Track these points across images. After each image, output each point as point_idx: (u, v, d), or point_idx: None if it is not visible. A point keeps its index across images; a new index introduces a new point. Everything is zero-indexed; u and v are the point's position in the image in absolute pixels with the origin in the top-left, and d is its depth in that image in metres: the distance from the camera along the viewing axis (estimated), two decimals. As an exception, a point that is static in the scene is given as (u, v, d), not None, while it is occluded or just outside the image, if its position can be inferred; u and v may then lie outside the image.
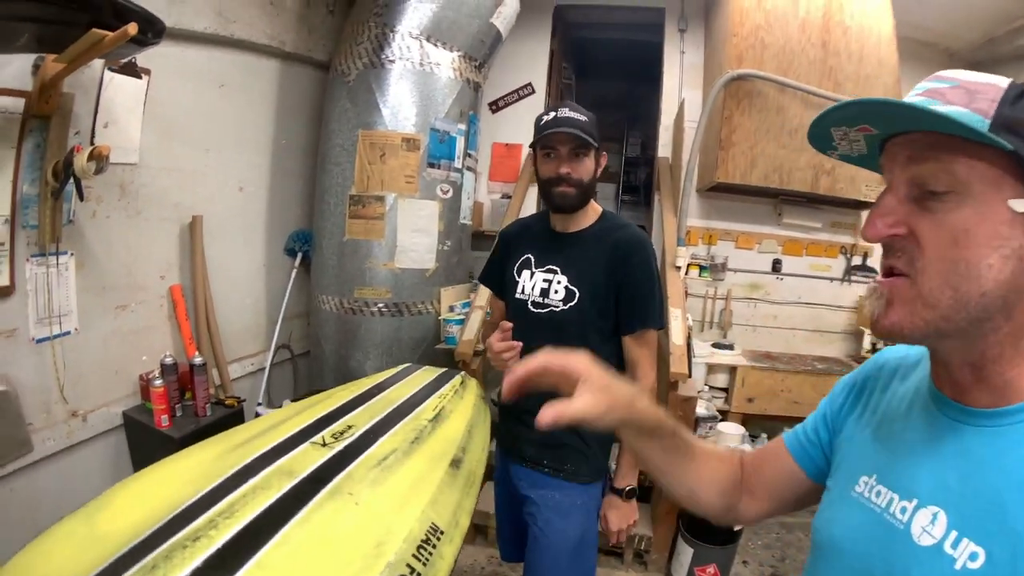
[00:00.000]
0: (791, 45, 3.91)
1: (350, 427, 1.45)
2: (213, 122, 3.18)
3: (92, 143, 2.45)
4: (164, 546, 0.96)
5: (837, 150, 0.81)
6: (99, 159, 2.26)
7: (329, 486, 1.16)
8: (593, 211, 1.98)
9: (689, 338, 3.53)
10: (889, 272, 0.73)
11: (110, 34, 1.93)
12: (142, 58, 2.61)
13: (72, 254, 2.49)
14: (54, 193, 2.32)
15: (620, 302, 1.89)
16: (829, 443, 0.99)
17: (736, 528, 3.09)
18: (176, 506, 1.07)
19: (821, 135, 0.79)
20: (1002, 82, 0.68)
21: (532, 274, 1.98)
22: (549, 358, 0.91)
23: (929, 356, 0.83)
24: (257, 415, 3.32)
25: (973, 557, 0.66)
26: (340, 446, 1.34)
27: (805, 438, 1.02)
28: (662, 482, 1.02)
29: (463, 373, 2.10)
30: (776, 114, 3.93)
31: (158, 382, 2.65)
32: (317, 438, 1.36)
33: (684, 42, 4.69)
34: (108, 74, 2.52)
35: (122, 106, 2.62)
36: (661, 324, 1.96)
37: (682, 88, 4.68)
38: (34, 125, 2.28)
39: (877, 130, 0.73)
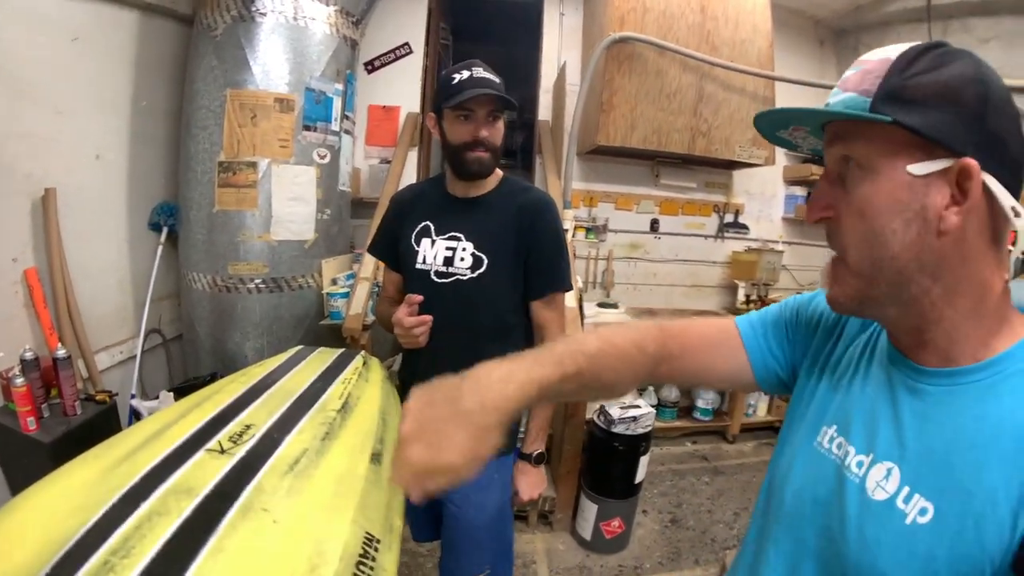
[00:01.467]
0: (671, 9, 3.91)
1: (248, 427, 1.26)
2: (65, 80, 2.76)
3: None
4: None
5: (800, 147, 0.87)
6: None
7: (238, 503, 0.99)
8: (494, 175, 1.87)
9: (580, 300, 3.51)
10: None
11: None
12: None
13: None
14: None
15: (529, 266, 1.80)
16: (788, 365, 1.01)
17: (637, 481, 3.18)
18: (59, 547, 0.87)
19: (778, 140, 0.86)
20: (892, 53, 0.71)
21: (433, 242, 1.85)
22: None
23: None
24: (132, 410, 3.00)
25: (923, 512, 0.68)
26: (241, 451, 1.16)
27: (769, 351, 1.01)
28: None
29: (363, 353, 1.93)
30: (656, 77, 3.93)
31: (19, 381, 2.27)
32: (213, 444, 1.18)
33: (563, 4, 4.60)
34: None
35: None
36: (570, 285, 1.91)
37: (562, 51, 4.60)
38: None
39: (806, 127, 0.80)
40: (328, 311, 3.33)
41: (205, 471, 1.08)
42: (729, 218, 4.95)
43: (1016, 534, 0.62)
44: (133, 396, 3.13)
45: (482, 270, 1.78)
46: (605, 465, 3.17)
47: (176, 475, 1.06)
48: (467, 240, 1.81)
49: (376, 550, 0.99)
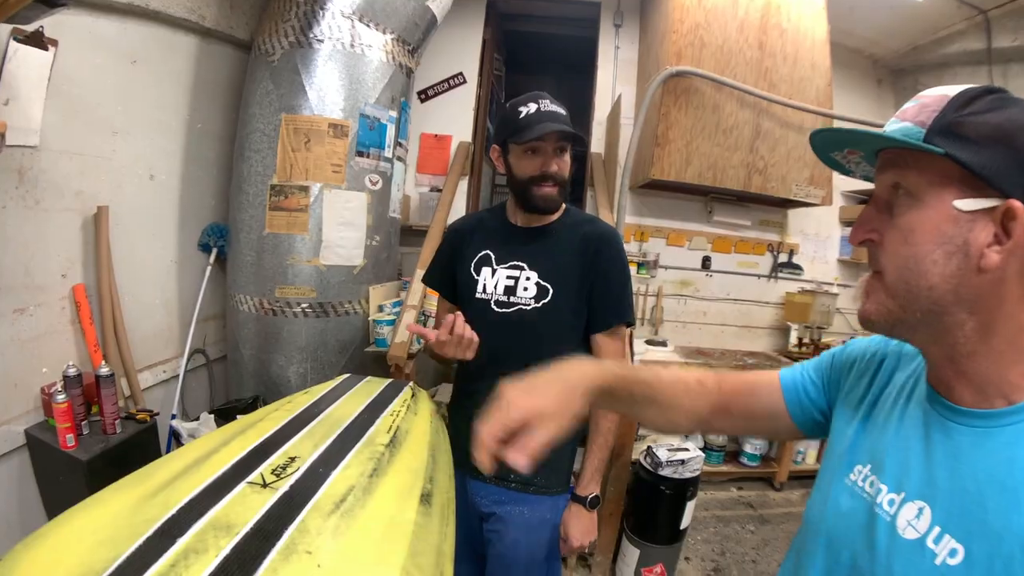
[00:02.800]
0: (729, 45, 3.86)
1: (293, 459, 1.19)
2: (123, 102, 2.79)
3: None
4: None
5: (853, 172, 0.88)
6: (-6, 137, 1.93)
7: (280, 543, 0.91)
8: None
9: (631, 336, 3.41)
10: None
11: None
12: (51, 27, 2.27)
13: None
14: None
15: (594, 297, 1.76)
16: (823, 407, 1.03)
17: (682, 527, 3.05)
18: None
19: (830, 161, 0.88)
20: (952, 91, 0.73)
21: (494, 271, 1.82)
22: (506, 420, 0.82)
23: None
24: (172, 430, 2.97)
25: (953, 553, 0.68)
26: (285, 486, 1.08)
27: (805, 393, 1.05)
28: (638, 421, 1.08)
29: (412, 384, 1.85)
30: (712, 112, 3.87)
31: (60, 397, 2.26)
32: (255, 476, 1.11)
33: (619, 38, 4.59)
34: (13, 45, 2.17)
35: (25, 80, 2.27)
36: (634, 319, 1.84)
37: (616, 84, 4.57)
38: None
39: (860, 151, 0.82)
40: (373, 338, 3.27)
41: (246, 506, 1.01)
42: (783, 258, 4.82)
43: None
44: (174, 416, 3.10)
45: (547, 300, 1.75)
46: (650, 509, 3.04)
47: (215, 509, 0.99)
48: (531, 269, 1.78)
49: None
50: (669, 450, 3.02)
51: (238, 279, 3.24)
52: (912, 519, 0.74)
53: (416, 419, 1.60)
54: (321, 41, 3.06)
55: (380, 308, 3.38)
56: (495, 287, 1.81)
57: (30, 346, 2.42)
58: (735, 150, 3.94)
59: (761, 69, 3.90)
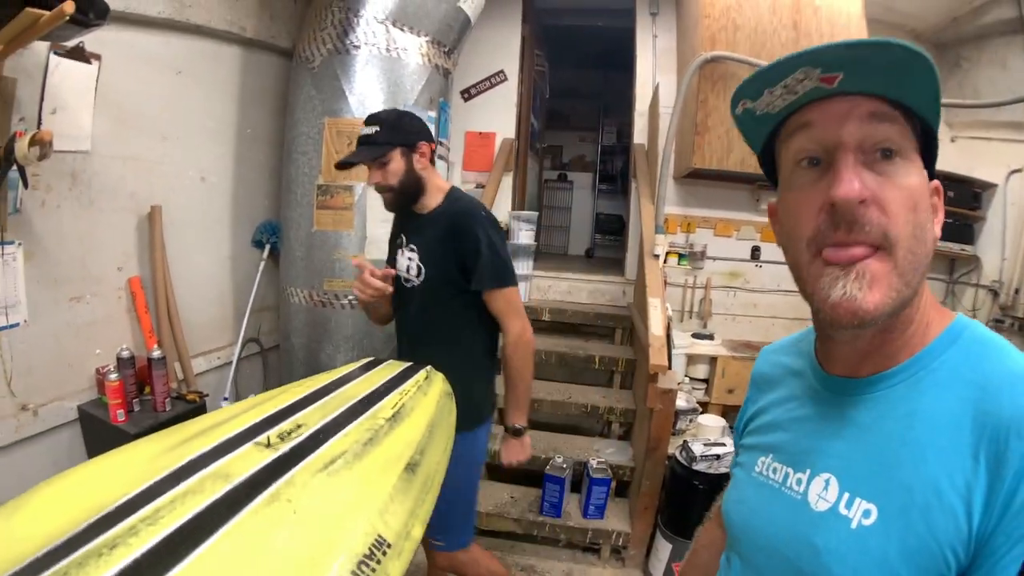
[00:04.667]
0: (763, 26, 3.86)
1: (300, 426, 1.34)
2: (171, 110, 3.05)
3: (39, 129, 2.33)
4: (79, 552, 0.86)
5: (752, 105, 0.76)
6: (41, 145, 2.16)
7: (266, 492, 1.05)
8: (439, 191, 2.21)
9: (669, 328, 3.46)
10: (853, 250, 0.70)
11: (46, 13, 1.83)
12: (93, 43, 2.50)
13: (20, 244, 2.38)
14: None
15: (466, 270, 2.10)
16: None
17: None
18: (99, 510, 0.97)
19: (764, 80, 0.72)
20: None
21: (403, 252, 2.24)
22: None
23: (819, 341, 0.88)
24: (221, 410, 3.23)
25: (866, 514, 0.70)
26: (285, 448, 1.23)
27: None
28: None
29: (429, 368, 1.99)
30: (750, 97, 3.86)
31: (113, 376, 2.55)
32: (262, 438, 1.26)
33: (656, 26, 4.63)
34: (54, 59, 2.40)
35: (71, 92, 2.51)
36: (508, 282, 2.16)
37: (656, 73, 4.62)
38: None
39: (839, 82, 0.68)
40: (416, 330, 3.44)
41: (247, 461, 1.15)
42: (837, 246, 4.75)
43: (973, 524, 0.63)
44: (226, 398, 3.37)
45: (422, 278, 2.17)
46: (684, 503, 3.05)
47: (220, 462, 1.14)
48: (416, 252, 2.18)
49: (384, 553, 1.03)
50: (705, 444, 3.06)
51: (289, 273, 3.47)
52: (821, 492, 0.76)
53: (424, 399, 1.73)
54: (358, 47, 3.24)
55: (423, 301, 3.54)
56: (403, 266, 2.22)
57: (85, 331, 2.71)
58: None
59: (797, 49, 3.86)
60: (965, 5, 4.10)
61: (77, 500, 1.01)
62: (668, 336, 3.40)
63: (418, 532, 1.21)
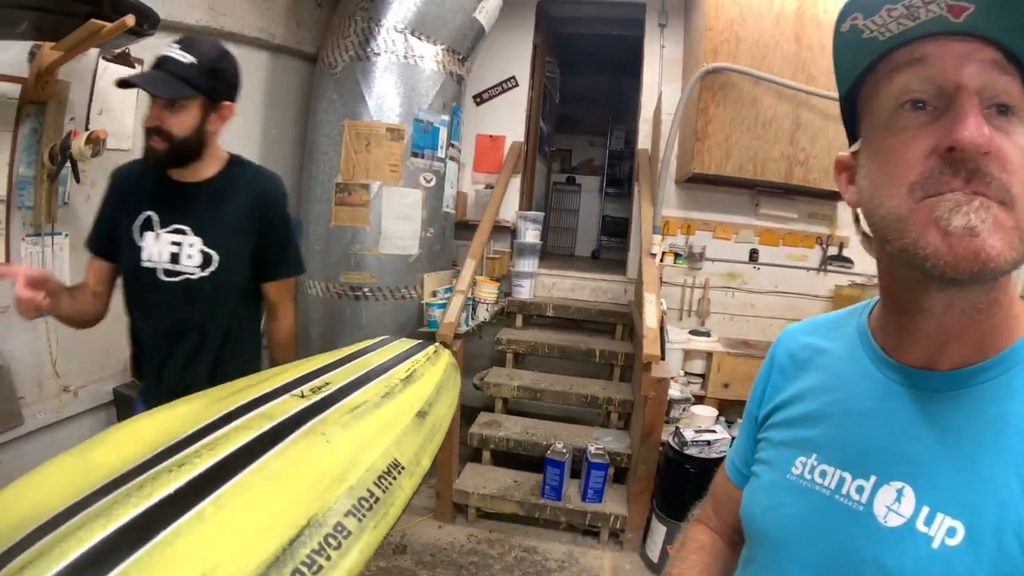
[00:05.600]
0: (765, 39, 4.04)
1: (328, 383, 1.59)
2: None
3: (87, 129, 2.58)
4: (152, 471, 1.10)
5: (863, 23, 0.65)
6: (96, 143, 2.42)
7: (304, 427, 1.30)
8: (216, 158, 1.83)
9: (662, 322, 3.68)
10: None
11: (108, 24, 2.07)
12: (137, 49, 2.73)
13: (67, 235, 2.61)
14: (50, 175, 2.46)
15: (263, 254, 1.85)
16: None
17: None
18: (165, 442, 1.22)
19: (849, 35, 0.67)
20: None
21: (157, 236, 1.74)
22: None
23: (887, 316, 0.77)
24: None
25: (951, 533, 0.61)
26: (317, 398, 1.48)
27: (745, 467, 0.96)
28: None
29: (437, 344, 2.25)
30: (751, 106, 4.07)
31: None
32: (297, 391, 1.51)
33: (664, 37, 4.85)
34: (102, 63, 2.65)
35: (116, 95, 2.75)
36: (303, 268, 2.03)
37: (661, 82, 4.83)
38: (30, 111, 2.42)
39: (967, 16, 0.59)
40: (427, 320, 3.70)
41: (286, 406, 1.40)
42: (833, 251, 4.94)
43: None
44: (248, 382, 3.61)
45: (213, 268, 1.76)
46: (677, 487, 3.23)
47: (264, 407, 1.39)
48: (195, 235, 1.75)
49: (399, 473, 1.28)
50: (696, 431, 3.25)
51: (308, 266, 3.69)
52: (891, 503, 0.67)
53: (433, 367, 1.98)
54: (378, 54, 3.51)
55: (433, 293, 3.79)
56: (159, 254, 1.74)
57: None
58: (775, 143, 4.13)
59: (799, 62, 4.06)
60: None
61: (145, 437, 1.27)
62: (662, 329, 3.62)
63: (426, 462, 1.46)
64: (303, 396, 1.48)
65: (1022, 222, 0.59)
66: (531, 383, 4.11)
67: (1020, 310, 0.69)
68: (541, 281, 5.00)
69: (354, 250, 3.60)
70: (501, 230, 4.87)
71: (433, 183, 3.78)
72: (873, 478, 0.69)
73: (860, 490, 0.70)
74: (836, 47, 0.70)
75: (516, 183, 4.87)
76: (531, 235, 4.73)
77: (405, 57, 3.55)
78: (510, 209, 4.85)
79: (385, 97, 3.55)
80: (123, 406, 2.88)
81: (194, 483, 1.07)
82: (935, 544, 0.62)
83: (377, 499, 1.17)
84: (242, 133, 3.61)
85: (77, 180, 2.54)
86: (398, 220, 3.65)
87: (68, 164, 2.46)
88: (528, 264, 4.76)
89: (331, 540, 1.02)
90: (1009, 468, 0.61)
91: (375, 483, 1.19)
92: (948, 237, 0.59)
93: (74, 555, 0.88)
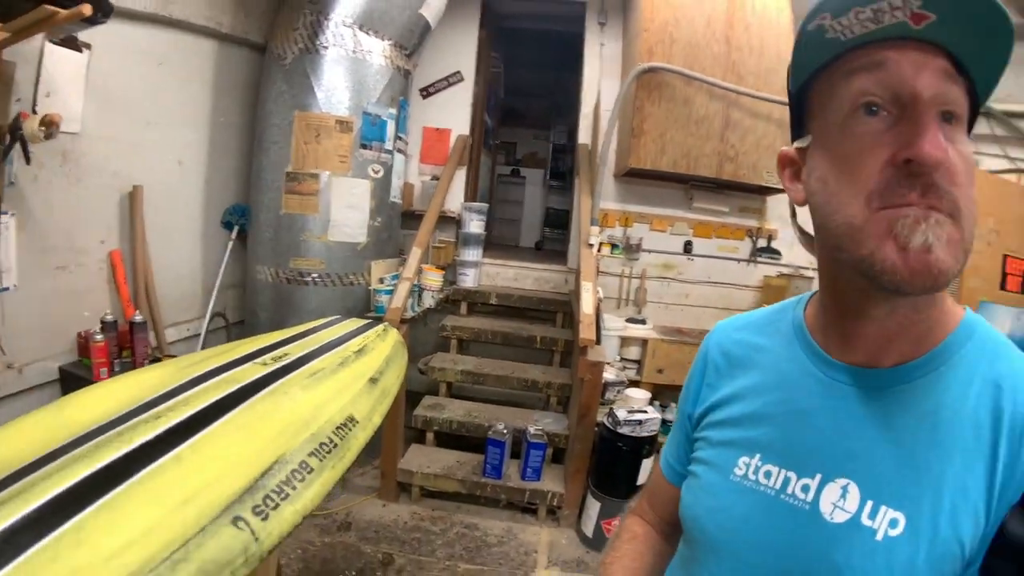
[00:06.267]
0: (697, 39, 4.27)
1: (287, 354, 1.77)
2: (153, 98, 3.41)
3: (34, 111, 2.66)
4: (129, 423, 1.25)
5: (829, 24, 0.67)
6: (50, 126, 2.50)
7: (268, 388, 1.48)
8: None
9: (598, 309, 3.91)
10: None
11: (62, 12, 2.12)
12: (84, 33, 2.80)
13: (13, 214, 2.67)
14: (1, 155, 2.51)
15: None
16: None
17: (639, 483, 3.44)
18: (138, 400, 1.39)
19: (811, 38, 0.69)
20: None
21: None
22: None
23: (827, 318, 0.80)
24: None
25: (893, 524, 0.66)
26: (278, 365, 1.66)
27: (679, 465, 0.99)
28: None
29: (386, 324, 2.44)
30: (684, 105, 4.30)
31: (99, 337, 2.88)
32: (258, 360, 1.69)
33: (604, 34, 5.07)
34: (49, 46, 2.71)
35: (63, 77, 2.83)
36: None
37: (601, 78, 5.06)
38: None
39: (927, 24, 0.62)
40: (374, 305, 3.87)
41: (249, 372, 1.58)
42: (762, 243, 5.23)
43: (989, 523, 0.63)
44: (196, 365, 3.74)
45: None
46: (611, 465, 3.45)
47: (229, 372, 1.57)
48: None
49: (354, 426, 1.49)
50: (629, 411, 3.46)
51: (258, 252, 3.89)
52: (837, 500, 0.70)
53: (383, 343, 2.18)
54: (327, 48, 3.66)
55: (381, 280, 3.96)
56: None
57: (70, 298, 3.04)
58: (707, 139, 4.36)
59: (729, 62, 4.31)
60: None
61: (118, 396, 1.44)
62: (598, 315, 3.85)
63: (377, 420, 1.66)
64: (265, 364, 1.66)
65: (966, 234, 0.64)
66: (474, 368, 4.29)
67: (948, 309, 0.74)
68: (485, 270, 5.19)
69: (303, 237, 3.75)
70: (447, 220, 5.04)
71: (381, 174, 3.94)
72: (818, 476, 0.73)
73: (806, 489, 0.73)
74: (798, 44, 0.72)
75: (461, 175, 5.06)
76: (475, 225, 4.91)
77: (354, 51, 3.70)
78: (456, 200, 5.03)
79: (334, 90, 3.70)
80: (69, 383, 2.95)
81: (171, 431, 1.24)
82: (879, 536, 0.66)
83: (336, 445, 1.37)
84: (191, 120, 3.76)
85: (28, 161, 2.58)
86: (347, 209, 3.80)
87: (17, 145, 2.52)
88: (473, 253, 4.94)
89: (296, 475, 1.22)
90: (943, 459, 0.66)
91: (333, 432, 1.39)
92: (905, 253, 0.62)
93: (59, 488, 1.03)
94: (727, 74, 4.33)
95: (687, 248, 5.18)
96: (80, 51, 2.89)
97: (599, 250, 4.62)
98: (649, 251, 5.13)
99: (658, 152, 4.34)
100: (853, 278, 0.70)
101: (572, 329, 4.54)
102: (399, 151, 4.18)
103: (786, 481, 0.76)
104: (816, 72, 0.72)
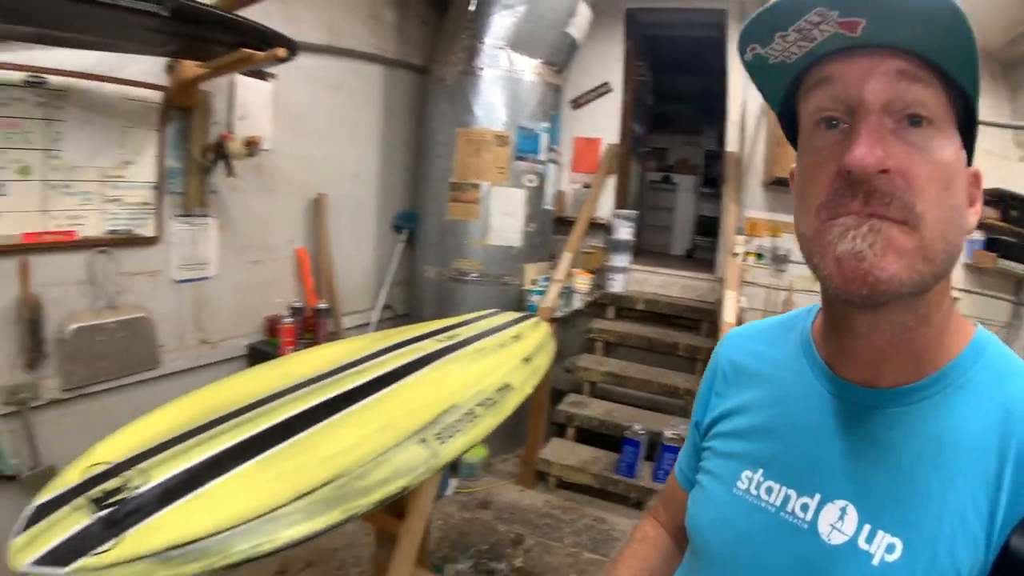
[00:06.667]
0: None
1: (456, 335, 2.20)
2: (331, 118, 4.01)
3: (231, 132, 3.25)
4: (340, 375, 1.73)
5: (764, 52, 0.68)
6: (251, 146, 3.06)
7: (445, 358, 1.93)
8: None
9: (740, 319, 4.03)
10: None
11: (259, 54, 2.59)
12: (268, 65, 3.29)
13: (215, 218, 3.31)
14: (204, 169, 3.12)
15: None
16: None
17: None
18: (344, 360, 1.86)
19: (774, 20, 0.65)
20: None
21: None
22: None
23: (826, 333, 0.80)
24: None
25: (890, 549, 0.65)
26: (451, 342, 2.11)
27: (691, 472, 0.98)
28: None
29: (537, 317, 2.82)
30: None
31: (288, 320, 3.46)
32: (431, 340, 2.12)
33: (748, 40, 5.12)
34: (240, 77, 3.27)
35: (254, 103, 3.42)
36: None
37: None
38: (174, 114, 3.02)
39: (863, 29, 0.60)
40: (526, 304, 4.25)
41: (429, 346, 2.01)
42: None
43: (990, 551, 0.62)
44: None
45: None
46: None
47: (414, 344, 2.00)
48: None
49: (511, 391, 1.89)
50: None
51: (424, 252, 4.42)
52: (835, 522, 0.70)
53: (534, 332, 2.57)
54: (483, 69, 4.08)
55: (533, 281, 4.34)
56: None
57: (260, 287, 3.66)
58: None
59: None
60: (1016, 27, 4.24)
61: (327, 358, 1.89)
62: (739, 323, 3.98)
63: (529, 389, 2.06)
64: (440, 341, 2.08)
65: (928, 241, 0.61)
66: (618, 370, 4.51)
67: (957, 326, 0.72)
68: (633, 276, 5.37)
69: (465, 241, 4.21)
70: (597, 227, 5.27)
71: (535, 183, 4.33)
72: (818, 496, 0.72)
73: (805, 508, 0.73)
74: (748, 73, 0.72)
75: (611, 183, 5.34)
76: (624, 232, 5.12)
77: (508, 71, 4.11)
78: (606, 207, 5.31)
79: (491, 107, 4.12)
80: (255, 358, 3.51)
81: (373, 381, 1.70)
82: (875, 561, 0.65)
83: (495, 402, 1.76)
84: (363, 136, 4.35)
85: (231, 174, 3.16)
86: (504, 216, 4.21)
87: (221, 161, 3.10)
88: (621, 260, 5.15)
89: (467, 417, 1.63)
90: (945, 485, 0.65)
91: (495, 392, 1.78)
92: (838, 262, 0.63)
93: (292, 413, 1.53)
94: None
95: (832, 261, 5.07)
96: (266, 80, 3.44)
97: (744, 260, 4.70)
98: (796, 263, 5.03)
99: (804, 157, 4.36)
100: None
101: (716, 338, 4.67)
102: (552, 161, 4.55)
103: (786, 499, 0.76)
104: (789, 93, 0.73)
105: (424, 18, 4.64)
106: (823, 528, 0.70)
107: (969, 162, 0.67)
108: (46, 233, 2.61)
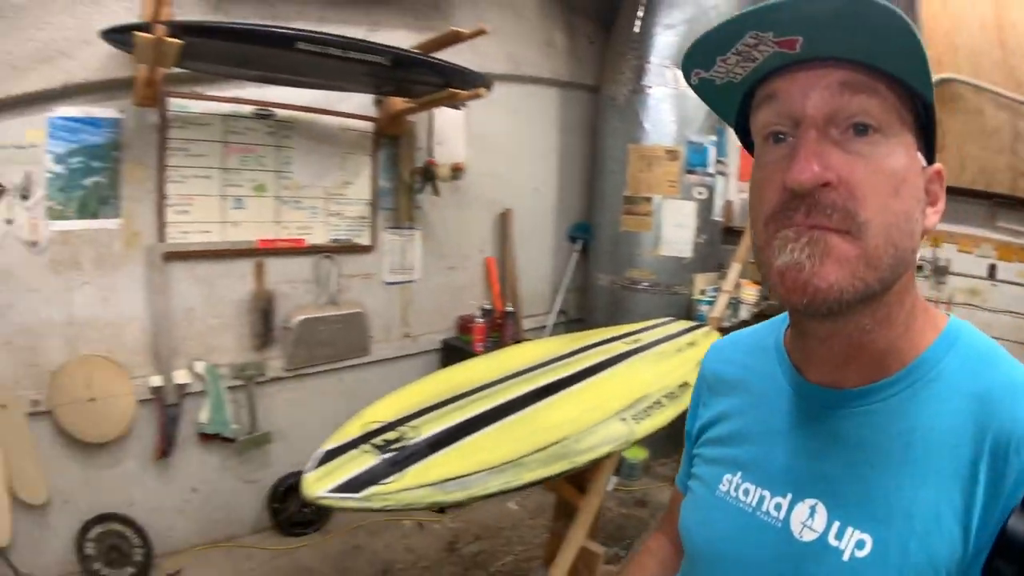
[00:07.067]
0: (975, 45, 3.99)
1: (640, 339, 2.69)
2: (513, 139, 4.52)
3: (432, 156, 3.85)
4: (550, 366, 2.31)
5: (708, 75, 0.72)
6: (456, 171, 3.69)
7: (632, 358, 2.41)
8: None
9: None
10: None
11: (463, 92, 3.10)
12: None
13: (420, 229, 3.95)
14: (414, 189, 3.74)
15: None
16: None
17: None
18: (549, 356, 2.43)
19: (712, 46, 0.68)
20: None
21: None
22: None
23: (792, 338, 0.84)
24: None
25: (860, 545, 0.67)
26: (636, 345, 2.58)
27: (687, 480, 1.01)
28: None
29: (708, 327, 3.23)
30: (976, 116, 4.04)
31: (479, 320, 4.05)
32: (620, 341, 2.62)
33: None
34: (437, 107, 3.69)
35: (450, 129, 4.00)
36: None
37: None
38: (384, 142, 3.66)
39: (801, 46, 0.63)
40: (695, 313, 4.47)
41: (617, 348, 2.51)
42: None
43: (969, 546, 0.62)
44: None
45: None
46: None
47: (601, 347, 2.50)
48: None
49: (688, 388, 2.31)
50: None
51: (598, 261, 4.77)
52: (806, 520, 0.73)
53: (707, 340, 2.98)
54: (651, 87, 4.38)
55: (702, 291, 4.60)
56: None
57: (454, 291, 4.28)
58: (999, 153, 4.05)
59: (1007, 68, 3.94)
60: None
61: (535, 353, 2.44)
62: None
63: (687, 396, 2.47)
64: (627, 344, 2.56)
65: (872, 249, 0.63)
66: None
67: (922, 323, 0.74)
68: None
69: (637, 251, 4.50)
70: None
71: (704, 196, 4.57)
72: (789, 496, 0.75)
73: (778, 507, 0.76)
74: (698, 95, 0.76)
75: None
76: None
77: (675, 89, 4.37)
78: (765, 211, 5.47)
79: (660, 123, 4.40)
80: (448, 352, 4.07)
81: (577, 374, 2.23)
82: (845, 557, 0.67)
83: (676, 395, 2.22)
84: (542, 154, 4.82)
85: (437, 194, 3.79)
86: (675, 228, 4.49)
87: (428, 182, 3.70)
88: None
89: (656, 404, 2.11)
90: (916, 480, 0.66)
91: (676, 387, 2.25)
92: (780, 273, 0.66)
93: (519, 392, 2.10)
94: (1007, 81, 3.94)
95: (991, 272, 4.55)
96: (459, 109, 3.88)
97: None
98: (956, 274, 4.68)
99: (958, 168, 4.12)
100: None
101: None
102: (720, 173, 4.80)
103: (761, 499, 0.79)
104: (743, 107, 0.75)
105: (591, 37, 4.96)
106: (795, 526, 0.74)
107: (931, 160, 0.71)
108: (279, 240, 3.30)
